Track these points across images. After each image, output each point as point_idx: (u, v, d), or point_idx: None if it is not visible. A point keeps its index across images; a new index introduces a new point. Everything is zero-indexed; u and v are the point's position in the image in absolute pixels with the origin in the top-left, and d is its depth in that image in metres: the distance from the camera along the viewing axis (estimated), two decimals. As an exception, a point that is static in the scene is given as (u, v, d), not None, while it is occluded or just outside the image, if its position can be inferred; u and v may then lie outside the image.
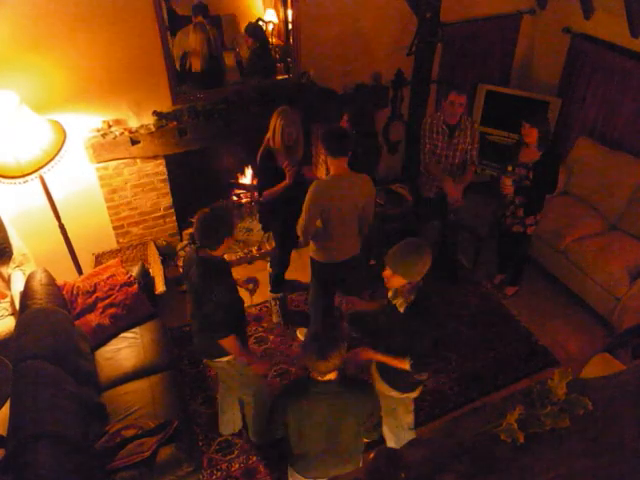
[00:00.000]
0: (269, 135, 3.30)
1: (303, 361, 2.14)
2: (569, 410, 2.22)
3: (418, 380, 2.57)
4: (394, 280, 2.28)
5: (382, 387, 2.64)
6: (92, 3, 3.24)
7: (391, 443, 2.87)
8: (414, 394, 2.70)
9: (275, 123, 3.23)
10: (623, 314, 3.69)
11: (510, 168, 3.54)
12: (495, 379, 3.59)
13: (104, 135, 3.60)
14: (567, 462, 2.18)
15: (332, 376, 2.10)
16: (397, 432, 2.81)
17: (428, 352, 2.45)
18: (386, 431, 2.83)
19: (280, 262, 3.91)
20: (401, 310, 2.34)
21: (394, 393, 2.63)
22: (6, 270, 3.49)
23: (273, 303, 4.01)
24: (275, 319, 4.01)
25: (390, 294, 2.42)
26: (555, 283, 4.24)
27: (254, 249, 4.56)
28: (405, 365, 2.39)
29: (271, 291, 3.99)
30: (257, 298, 4.18)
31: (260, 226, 4.34)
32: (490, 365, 3.68)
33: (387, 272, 2.28)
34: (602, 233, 4.11)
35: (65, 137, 3.24)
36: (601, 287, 3.80)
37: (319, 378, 2.09)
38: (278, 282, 3.98)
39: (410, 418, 2.82)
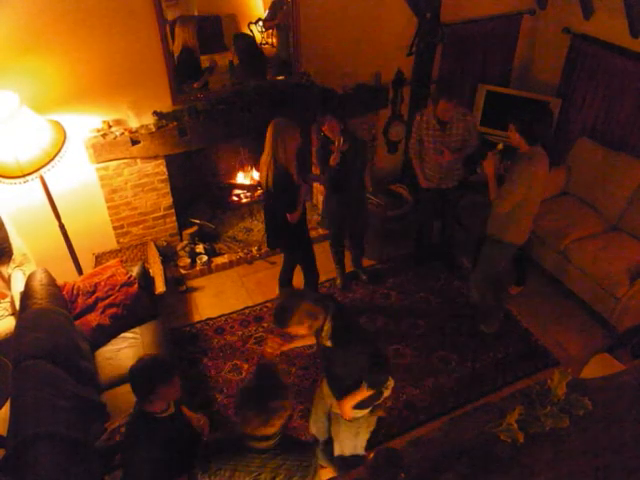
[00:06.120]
0: (285, 156, 3.10)
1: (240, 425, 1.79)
2: (569, 410, 2.22)
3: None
4: (297, 332, 2.23)
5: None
6: (92, 3, 3.24)
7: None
8: (378, 402, 2.54)
9: (288, 140, 3.08)
10: (623, 314, 3.69)
11: (500, 146, 3.47)
12: (495, 379, 3.58)
13: (104, 135, 3.61)
14: (567, 462, 2.18)
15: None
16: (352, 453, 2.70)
17: (373, 364, 2.31)
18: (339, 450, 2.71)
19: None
20: (328, 344, 2.30)
21: (357, 412, 2.49)
22: (6, 270, 3.48)
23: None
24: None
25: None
26: (555, 283, 4.24)
27: (254, 249, 4.56)
28: (364, 390, 2.32)
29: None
30: (257, 298, 4.20)
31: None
32: (490, 365, 3.68)
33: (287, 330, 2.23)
34: (602, 233, 4.11)
35: (65, 137, 3.24)
36: (601, 287, 3.80)
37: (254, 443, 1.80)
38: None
39: (366, 438, 2.68)
